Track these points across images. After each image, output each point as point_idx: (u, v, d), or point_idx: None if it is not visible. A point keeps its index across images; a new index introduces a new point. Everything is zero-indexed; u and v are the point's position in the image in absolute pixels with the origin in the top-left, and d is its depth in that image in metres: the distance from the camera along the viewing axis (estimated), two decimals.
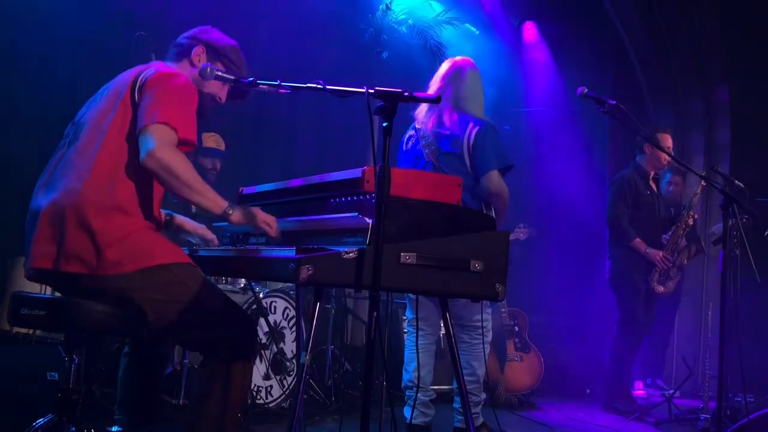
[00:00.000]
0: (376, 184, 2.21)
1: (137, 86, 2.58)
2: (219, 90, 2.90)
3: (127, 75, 2.70)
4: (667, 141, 5.80)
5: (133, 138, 2.52)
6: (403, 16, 6.69)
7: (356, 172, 2.48)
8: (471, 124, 3.93)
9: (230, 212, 2.55)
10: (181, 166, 2.44)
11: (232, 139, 6.32)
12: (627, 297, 5.77)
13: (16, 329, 3.97)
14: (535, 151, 7.96)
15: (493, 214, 3.88)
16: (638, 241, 5.71)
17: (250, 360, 2.66)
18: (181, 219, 3.06)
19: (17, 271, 4.16)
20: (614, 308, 6.01)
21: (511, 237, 6.47)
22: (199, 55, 2.84)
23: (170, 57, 2.90)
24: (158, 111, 2.48)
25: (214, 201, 2.53)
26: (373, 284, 2.17)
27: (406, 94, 2.30)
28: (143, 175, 2.53)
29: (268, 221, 2.65)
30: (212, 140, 5.16)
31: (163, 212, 2.96)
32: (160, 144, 2.42)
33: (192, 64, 2.84)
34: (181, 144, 2.52)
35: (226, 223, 2.64)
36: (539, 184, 7.91)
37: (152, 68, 2.66)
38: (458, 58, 4.24)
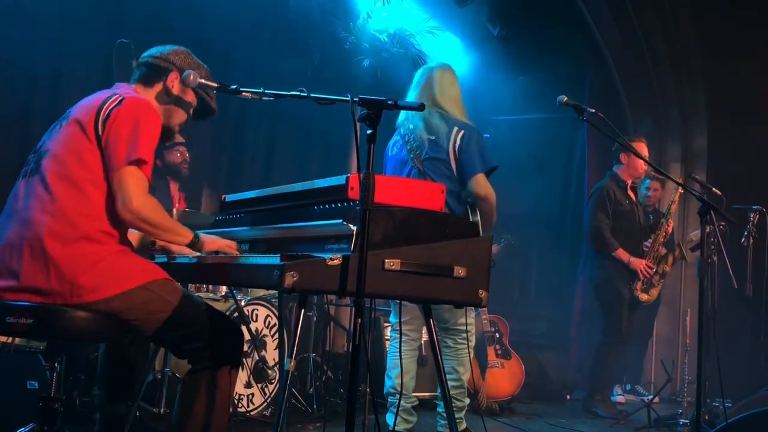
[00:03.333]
0: (360, 191, 2.22)
1: (101, 118, 2.54)
2: (186, 112, 2.92)
3: (90, 104, 2.63)
4: (643, 150, 5.85)
5: (99, 170, 2.52)
6: (385, 25, 6.71)
7: (340, 180, 2.49)
8: (456, 129, 3.95)
9: (196, 242, 2.67)
10: (156, 214, 2.53)
11: (213, 146, 6.32)
12: (613, 306, 5.82)
13: None
14: (513, 159, 8.01)
15: (478, 219, 3.90)
16: (621, 251, 5.76)
17: (234, 366, 2.67)
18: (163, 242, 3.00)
19: None
20: (593, 315, 6.07)
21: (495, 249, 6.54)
22: (173, 81, 2.81)
23: (141, 79, 2.83)
24: (130, 150, 2.49)
25: (183, 235, 2.66)
26: (357, 291, 2.18)
27: (390, 102, 2.31)
28: (110, 205, 2.52)
29: (229, 245, 2.76)
30: None
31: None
32: (135, 195, 2.47)
33: (166, 90, 2.81)
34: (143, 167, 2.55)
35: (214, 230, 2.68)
36: (518, 192, 7.96)
37: (116, 97, 2.59)
38: (436, 63, 4.27)
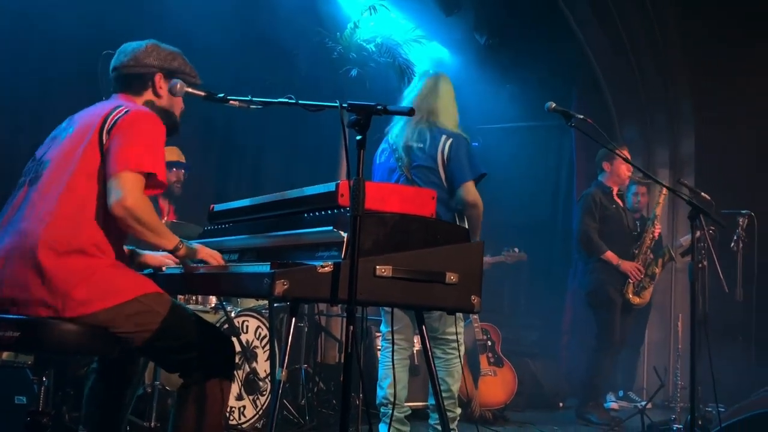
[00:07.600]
0: (350, 198, 2.21)
1: (105, 128, 2.52)
2: (179, 110, 2.89)
3: (94, 114, 2.60)
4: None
5: (101, 181, 2.49)
6: (372, 35, 6.72)
7: (330, 187, 2.48)
8: (444, 137, 3.95)
9: (179, 247, 2.60)
10: (147, 214, 2.48)
11: (200, 155, 6.29)
12: (605, 311, 5.83)
13: None
14: (502, 168, 8.02)
15: (466, 226, 3.90)
16: (610, 254, 5.77)
17: (226, 378, 2.64)
18: (145, 255, 2.94)
19: None
20: (584, 322, 6.06)
21: (497, 260, 6.50)
22: (159, 82, 2.76)
23: (128, 89, 2.76)
24: (131, 157, 2.47)
25: (168, 240, 2.59)
26: (349, 298, 2.16)
27: (379, 107, 2.30)
28: (108, 218, 2.49)
29: (213, 254, 2.69)
30: (174, 154, 5.14)
31: (126, 248, 2.90)
32: (130, 193, 2.43)
33: (156, 95, 2.78)
34: (155, 187, 2.55)
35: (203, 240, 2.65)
36: (507, 200, 7.96)
37: (122, 108, 2.58)
38: (431, 71, 4.26)
